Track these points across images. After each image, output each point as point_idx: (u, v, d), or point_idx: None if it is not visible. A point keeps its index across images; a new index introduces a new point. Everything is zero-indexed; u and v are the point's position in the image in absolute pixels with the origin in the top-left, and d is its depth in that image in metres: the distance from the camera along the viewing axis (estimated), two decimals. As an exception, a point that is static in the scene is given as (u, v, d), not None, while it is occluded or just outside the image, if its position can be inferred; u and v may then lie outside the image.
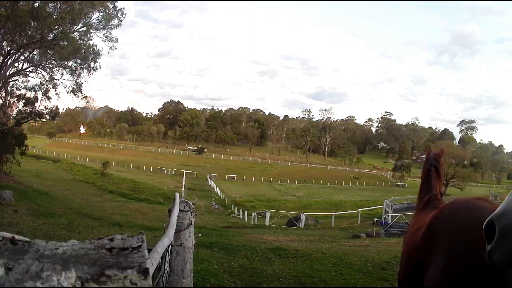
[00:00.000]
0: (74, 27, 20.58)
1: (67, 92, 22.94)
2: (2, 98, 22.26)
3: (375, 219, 17.52)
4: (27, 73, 22.24)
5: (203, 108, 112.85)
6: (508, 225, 0.92)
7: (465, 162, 57.17)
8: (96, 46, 22.17)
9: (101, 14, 21.09)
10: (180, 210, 2.55)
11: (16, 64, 21.13)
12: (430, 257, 1.89)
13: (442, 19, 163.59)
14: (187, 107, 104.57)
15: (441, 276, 1.78)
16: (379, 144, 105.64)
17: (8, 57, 19.88)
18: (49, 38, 19.31)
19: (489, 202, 1.91)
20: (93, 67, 22.20)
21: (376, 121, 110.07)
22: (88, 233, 8.54)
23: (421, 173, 2.95)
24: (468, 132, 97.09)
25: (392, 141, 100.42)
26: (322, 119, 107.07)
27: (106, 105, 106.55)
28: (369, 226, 16.94)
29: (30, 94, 22.86)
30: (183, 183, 40.68)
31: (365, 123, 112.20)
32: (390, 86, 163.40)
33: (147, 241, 0.49)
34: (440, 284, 1.78)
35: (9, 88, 22.26)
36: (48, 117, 27.22)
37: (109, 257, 0.42)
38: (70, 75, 22.43)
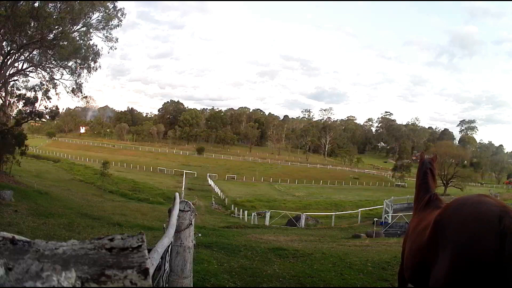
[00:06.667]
0: (74, 27, 20.59)
1: (67, 92, 23.00)
2: (2, 98, 22.24)
3: (375, 219, 17.50)
4: (27, 73, 22.26)
5: (203, 108, 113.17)
6: None
7: (465, 162, 57.11)
8: (96, 46, 22.25)
9: (101, 14, 21.11)
10: (180, 210, 2.55)
11: (16, 64, 21.13)
12: (436, 254, 1.91)
13: (441, 20, 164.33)
14: (187, 107, 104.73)
15: (448, 268, 1.79)
16: (379, 144, 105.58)
17: (8, 57, 19.87)
18: (49, 38, 19.30)
19: (492, 198, 1.94)
20: (93, 67, 22.25)
21: (376, 121, 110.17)
22: (88, 233, 8.53)
23: (416, 175, 2.98)
24: (468, 132, 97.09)
25: (392, 141, 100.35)
26: (322, 119, 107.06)
27: (106, 105, 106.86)
28: (369, 226, 16.92)
29: (30, 94, 22.87)
30: (183, 183, 40.65)
31: (365, 123, 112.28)
32: (390, 87, 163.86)
33: (147, 241, 0.49)
34: (448, 276, 1.79)
35: (9, 88, 22.24)
36: (48, 117, 27.22)
37: (109, 257, 0.43)
38: (70, 75, 22.49)
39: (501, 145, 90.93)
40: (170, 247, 2.24)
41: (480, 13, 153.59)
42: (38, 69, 22.07)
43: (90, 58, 21.91)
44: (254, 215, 20.60)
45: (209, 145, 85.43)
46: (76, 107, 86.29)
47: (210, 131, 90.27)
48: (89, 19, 20.78)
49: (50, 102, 23.46)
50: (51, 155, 59.61)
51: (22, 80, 22.69)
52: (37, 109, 23.12)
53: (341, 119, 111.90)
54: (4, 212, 9.49)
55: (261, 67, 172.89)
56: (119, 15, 21.50)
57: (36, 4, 18.15)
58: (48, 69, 22.25)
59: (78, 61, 21.81)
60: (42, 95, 22.93)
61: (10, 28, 17.93)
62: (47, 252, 0.42)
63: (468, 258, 1.72)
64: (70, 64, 21.98)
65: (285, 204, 31.56)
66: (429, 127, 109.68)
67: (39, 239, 0.45)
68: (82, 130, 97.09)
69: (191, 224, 2.65)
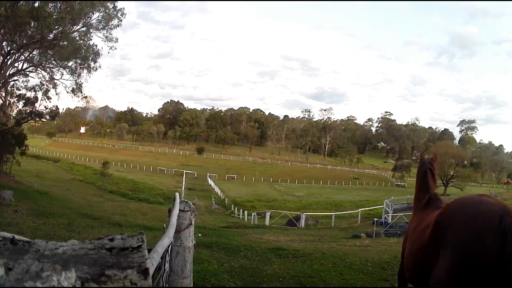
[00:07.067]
0: (74, 27, 20.59)
1: (67, 92, 23.02)
2: (2, 98, 22.26)
3: (375, 219, 17.51)
4: (27, 73, 22.27)
5: (203, 108, 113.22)
6: None
7: (465, 162, 57.08)
8: (96, 46, 22.26)
9: (101, 14, 21.11)
10: (180, 210, 2.55)
11: (16, 64, 21.14)
12: (437, 254, 1.91)
13: (441, 20, 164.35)
14: (187, 107, 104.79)
15: (449, 268, 1.80)
16: (379, 144, 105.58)
17: (8, 57, 19.87)
18: (49, 38, 19.30)
19: (492, 198, 1.94)
20: (93, 67, 22.26)
21: (376, 121, 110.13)
22: (88, 233, 8.52)
23: (416, 175, 2.99)
24: (468, 132, 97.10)
25: (392, 141, 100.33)
26: (322, 119, 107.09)
27: (106, 105, 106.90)
28: (369, 226, 16.92)
29: (30, 94, 22.93)
30: (183, 183, 40.64)
31: (365, 123, 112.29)
32: (390, 87, 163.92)
33: (147, 241, 0.49)
34: (449, 276, 1.80)
35: (9, 88, 22.26)
36: (48, 117, 27.25)
37: (109, 257, 0.43)
38: (70, 75, 22.51)
39: (501, 145, 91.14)
40: (170, 247, 2.24)
41: (480, 13, 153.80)
42: (38, 69, 22.08)
43: (90, 58, 21.93)
44: (254, 215, 20.59)
45: (209, 145, 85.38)
46: (76, 107, 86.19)
47: (210, 131, 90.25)
48: (89, 19, 20.79)
49: (50, 102, 23.54)
50: (51, 155, 59.60)
51: (22, 80, 22.76)
52: (37, 109, 23.18)
53: (341, 119, 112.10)
54: (4, 212, 9.49)
55: (261, 67, 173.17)
56: (119, 15, 21.52)
57: (36, 4, 18.16)
58: (48, 69, 22.27)
59: (78, 61, 21.82)
60: (42, 95, 22.99)
61: (10, 28, 17.93)
62: (47, 252, 0.42)
63: (469, 258, 1.72)
64: (70, 64, 22.02)
65: (285, 204, 31.55)
66: (429, 127, 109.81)
67: (39, 239, 0.45)
68: (82, 130, 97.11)
69: (191, 224, 2.65)
